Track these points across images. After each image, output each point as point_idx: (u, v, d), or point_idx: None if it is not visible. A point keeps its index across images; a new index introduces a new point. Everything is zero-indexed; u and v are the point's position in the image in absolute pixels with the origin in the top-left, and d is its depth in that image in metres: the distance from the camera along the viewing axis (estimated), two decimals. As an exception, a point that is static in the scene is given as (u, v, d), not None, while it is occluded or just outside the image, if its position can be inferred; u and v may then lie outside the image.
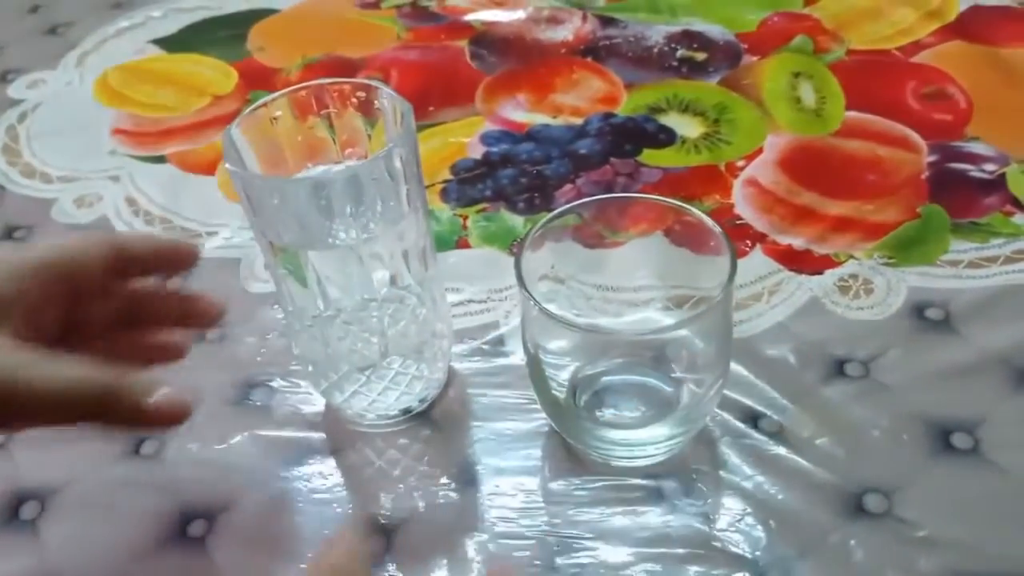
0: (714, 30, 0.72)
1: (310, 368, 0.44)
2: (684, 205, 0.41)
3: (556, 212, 0.42)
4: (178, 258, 0.41)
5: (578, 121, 0.64)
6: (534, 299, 0.37)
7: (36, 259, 0.37)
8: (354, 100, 0.41)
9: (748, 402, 0.44)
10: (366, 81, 0.40)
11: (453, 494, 0.42)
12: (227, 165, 0.36)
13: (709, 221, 0.40)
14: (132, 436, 0.45)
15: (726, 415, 0.44)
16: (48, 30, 0.82)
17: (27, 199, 0.62)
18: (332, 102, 0.41)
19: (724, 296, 0.37)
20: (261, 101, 0.40)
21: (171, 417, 0.34)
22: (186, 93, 0.71)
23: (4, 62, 0.78)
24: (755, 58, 0.69)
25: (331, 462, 0.44)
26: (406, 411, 0.45)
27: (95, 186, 0.63)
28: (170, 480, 0.44)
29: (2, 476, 0.45)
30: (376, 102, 0.40)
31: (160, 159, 0.65)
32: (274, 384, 0.48)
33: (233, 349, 0.50)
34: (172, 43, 0.78)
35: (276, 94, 0.40)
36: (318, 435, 0.45)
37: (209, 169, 0.64)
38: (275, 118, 0.40)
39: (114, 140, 0.67)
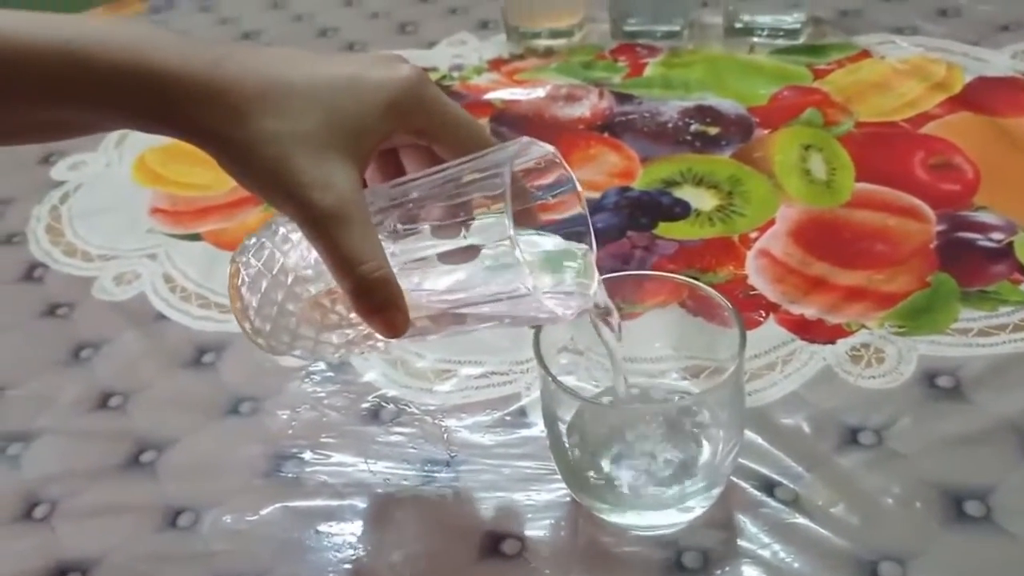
0: (726, 104, 0.74)
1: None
2: (693, 281, 0.43)
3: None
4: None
5: (595, 195, 0.66)
6: (551, 375, 0.39)
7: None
8: None
9: (764, 470, 0.46)
10: None
11: (477, 563, 0.43)
12: None
13: (717, 296, 0.42)
14: (169, 508, 0.47)
15: (743, 483, 0.45)
16: (89, 113, 0.86)
17: (69, 277, 0.65)
18: None
19: (735, 368, 0.39)
20: None
21: None
22: (220, 172, 0.74)
23: (47, 145, 0.81)
24: (766, 131, 0.71)
25: (359, 531, 0.46)
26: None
27: (133, 264, 0.66)
28: (205, 551, 0.45)
29: (45, 548, 0.46)
30: None
31: (195, 237, 0.68)
32: (305, 456, 0.49)
33: (265, 422, 0.52)
34: (207, 124, 0.82)
35: None
36: (348, 504, 0.47)
37: (242, 246, 0.66)
38: None
39: (152, 219, 0.70)
